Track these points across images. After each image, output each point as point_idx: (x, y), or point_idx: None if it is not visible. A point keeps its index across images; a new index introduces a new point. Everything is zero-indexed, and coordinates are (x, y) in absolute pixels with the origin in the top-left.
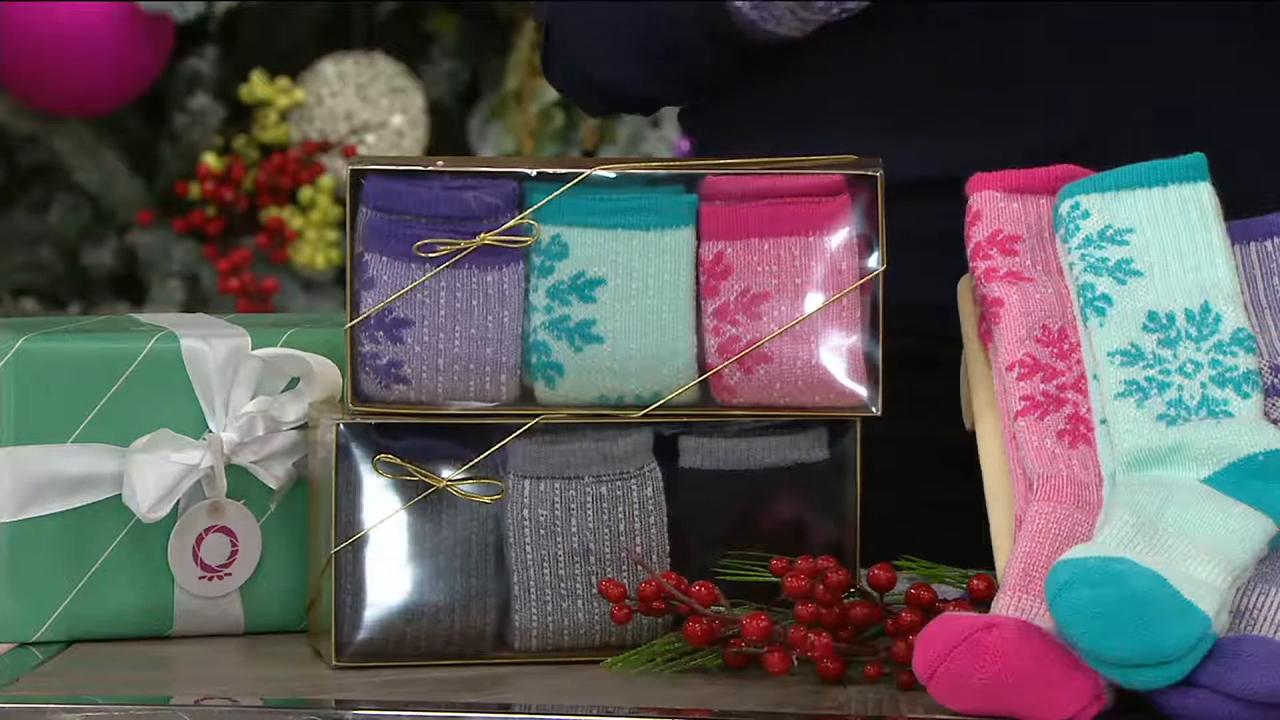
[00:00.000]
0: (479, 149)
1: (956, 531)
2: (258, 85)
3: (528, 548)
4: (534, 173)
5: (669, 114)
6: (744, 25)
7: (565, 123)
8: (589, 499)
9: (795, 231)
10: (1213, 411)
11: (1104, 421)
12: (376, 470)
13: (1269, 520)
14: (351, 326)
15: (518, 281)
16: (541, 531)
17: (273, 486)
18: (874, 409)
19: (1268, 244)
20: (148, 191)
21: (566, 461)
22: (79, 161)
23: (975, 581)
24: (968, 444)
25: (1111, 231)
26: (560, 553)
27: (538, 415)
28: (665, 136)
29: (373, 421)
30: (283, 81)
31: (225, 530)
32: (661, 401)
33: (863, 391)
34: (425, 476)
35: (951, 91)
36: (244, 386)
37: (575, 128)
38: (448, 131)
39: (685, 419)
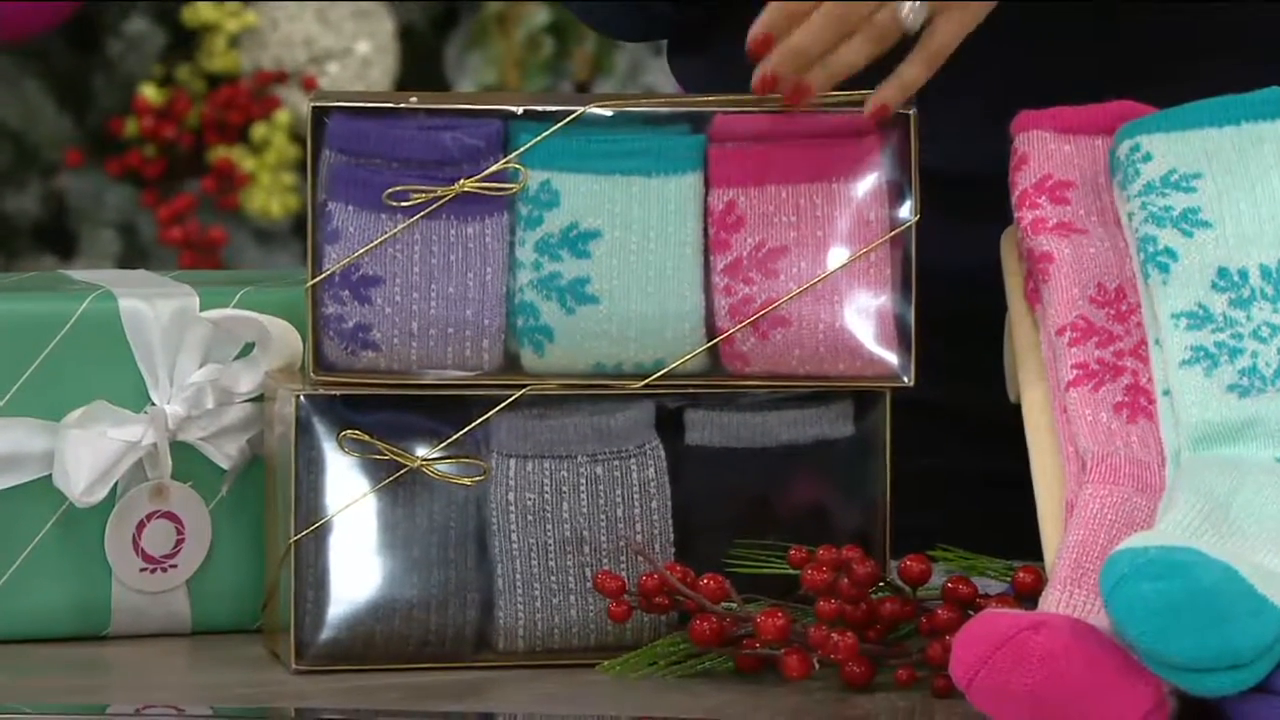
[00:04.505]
0: (457, 82)
1: (1000, 517)
2: (203, 7)
3: (513, 536)
4: (520, 110)
5: None
6: None
7: (555, 51)
8: (583, 481)
9: (817, 177)
10: None
11: (1167, 393)
12: (341, 448)
13: None
14: (313, 285)
15: (502, 234)
16: (529, 517)
17: (224, 466)
18: (906, 378)
19: None
20: (77, 128)
21: (557, 438)
22: None
23: (1021, 574)
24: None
25: (1176, 176)
26: (550, 541)
27: (524, 386)
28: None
29: (337, 393)
30: (232, 4)
31: (170, 516)
32: (665, 370)
33: (893, 359)
34: (397, 455)
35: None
36: (191, 353)
37: (567, 57)
38: (421, 61)
39: (692, 390)
